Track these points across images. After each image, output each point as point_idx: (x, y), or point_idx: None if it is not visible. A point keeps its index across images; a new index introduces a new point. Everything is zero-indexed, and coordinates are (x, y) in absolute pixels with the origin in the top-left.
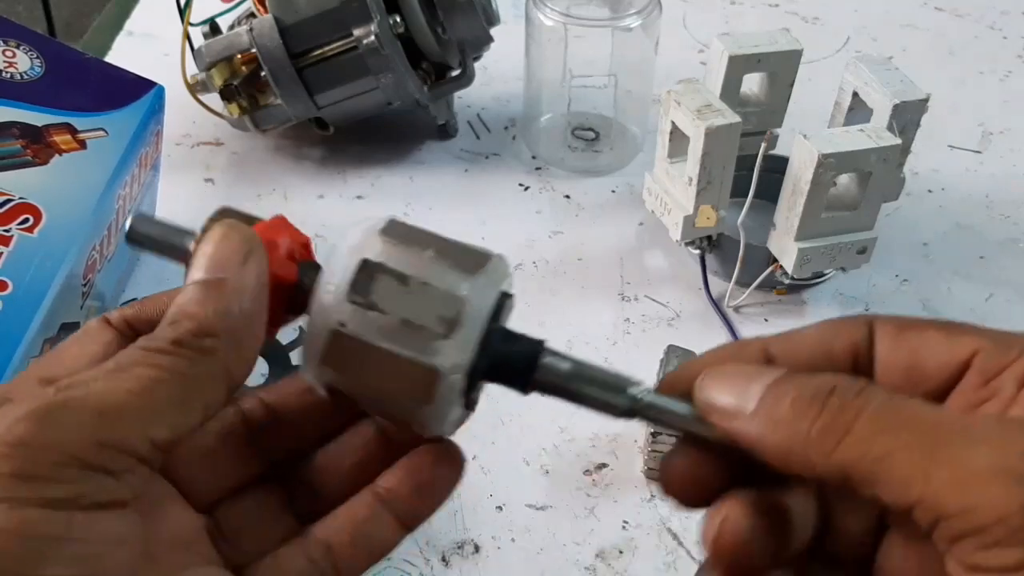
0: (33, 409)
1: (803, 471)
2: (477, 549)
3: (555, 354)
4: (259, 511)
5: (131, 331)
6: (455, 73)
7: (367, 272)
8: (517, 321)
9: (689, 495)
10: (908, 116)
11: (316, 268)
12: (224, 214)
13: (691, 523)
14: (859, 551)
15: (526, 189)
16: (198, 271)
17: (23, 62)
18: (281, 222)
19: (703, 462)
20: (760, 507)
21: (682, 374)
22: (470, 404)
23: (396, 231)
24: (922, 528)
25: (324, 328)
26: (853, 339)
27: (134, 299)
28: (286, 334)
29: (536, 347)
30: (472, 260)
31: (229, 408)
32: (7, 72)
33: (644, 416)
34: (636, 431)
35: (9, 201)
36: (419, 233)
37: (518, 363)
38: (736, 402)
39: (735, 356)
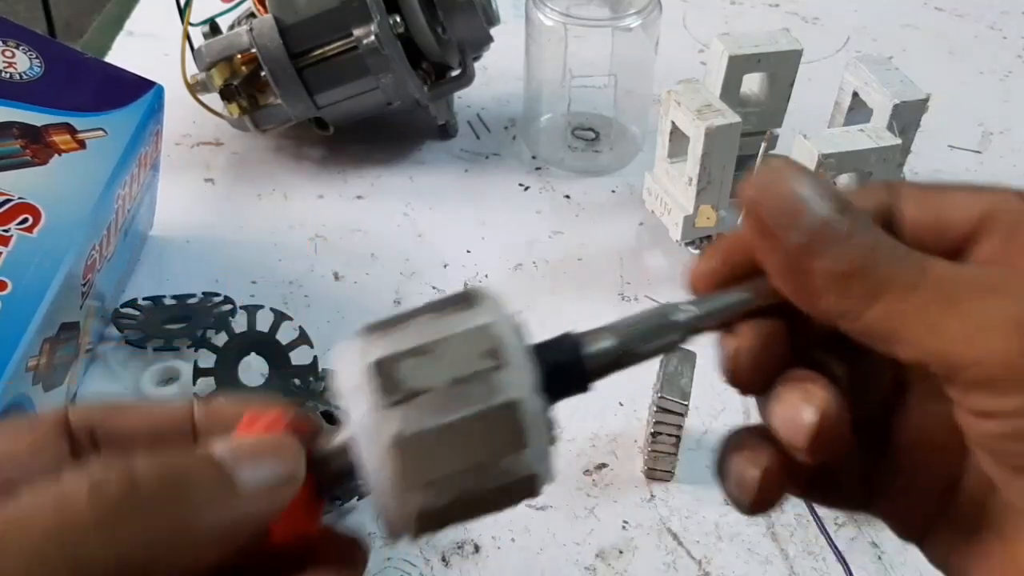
0: None
1: (825, 321)
2: (477, 549)
3: (590, 335)
4: None
5: (90, 442)
6: (455, 73)
7: (382, 370)
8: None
9: (749, 376)
10: (908, 116)
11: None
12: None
13: (691, 523)
14: (875, 416)
15: (526, 189)
16: (222, 444)
17: (22, 62)
18: (252, 417)
19: (761, 339)
20: (837, 391)
21: (722, 245)
22: (550, 437)
23: (373, 327)
24: (939, 381)
25: (384, 451)
26: (880, 200)
27: (134, 299)
28: (287, 333)
29: (572, 342)
30: (463, 300)
31: None
32: (6, 72)
33: (703, 330)
34: (636, 431)
35: (8, 201)
36: (395, 316)
37: (569, 366)
38: (785, 218)
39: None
